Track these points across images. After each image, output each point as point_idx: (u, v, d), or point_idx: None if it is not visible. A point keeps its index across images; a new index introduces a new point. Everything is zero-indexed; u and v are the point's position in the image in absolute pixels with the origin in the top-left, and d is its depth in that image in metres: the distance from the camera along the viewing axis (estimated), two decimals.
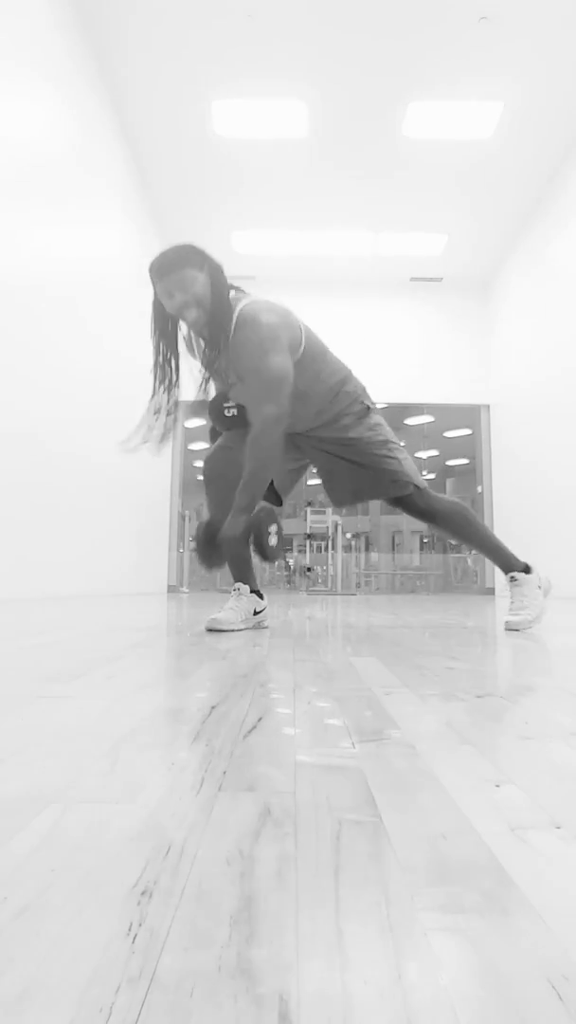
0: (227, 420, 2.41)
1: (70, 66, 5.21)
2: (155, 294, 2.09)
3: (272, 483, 2.38)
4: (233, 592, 2.37)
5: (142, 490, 7.80)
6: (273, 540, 2.21)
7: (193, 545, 2.38)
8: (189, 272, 2.02)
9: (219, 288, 2.05)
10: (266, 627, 2.43)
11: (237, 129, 6.56)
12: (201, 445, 9.99)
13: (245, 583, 2.38)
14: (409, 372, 9.63)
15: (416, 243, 8.79)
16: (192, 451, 10.19)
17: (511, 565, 2.40)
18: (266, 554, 2.19)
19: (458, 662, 1.43)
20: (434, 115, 6.38)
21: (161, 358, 2.15)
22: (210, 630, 2.16)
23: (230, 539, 2.10)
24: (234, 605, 2.30)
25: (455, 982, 0.28)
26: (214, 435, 2.54)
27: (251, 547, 2.20)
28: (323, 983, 0.28)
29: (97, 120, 5.92)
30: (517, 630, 2.25)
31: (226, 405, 2.40)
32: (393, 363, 9.27)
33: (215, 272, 2.06)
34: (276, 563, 2.25)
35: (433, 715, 0.86)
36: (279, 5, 5.22)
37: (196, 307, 2.02)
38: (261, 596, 2.42)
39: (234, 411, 2.38)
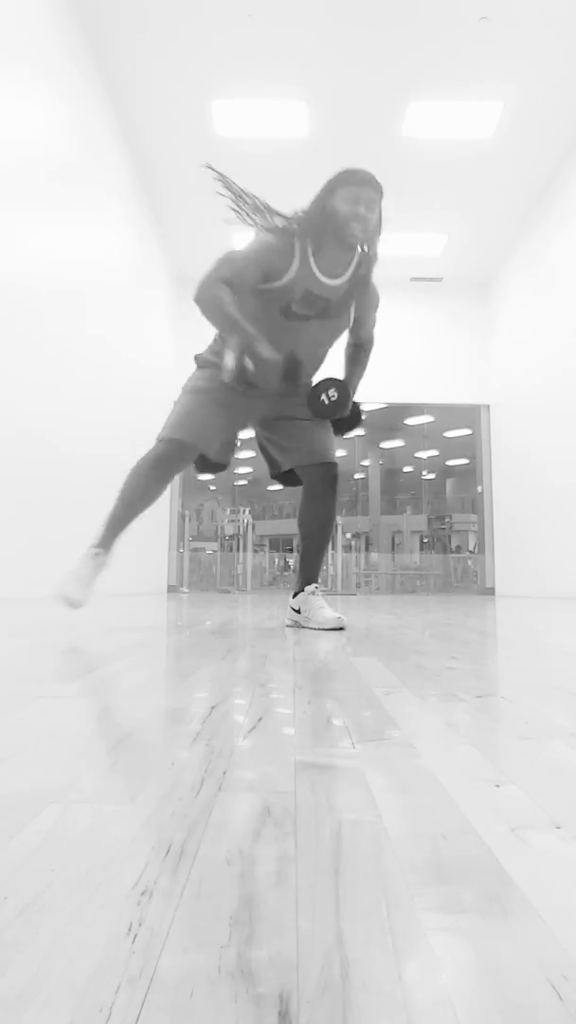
0: (245, 385, 2.25)
1: (70, 66, 5.21)
2: (330, 193, 2.30)
3: (291, 471, 2.56)
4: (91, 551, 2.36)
5: None
6: (333, 396, 2.39)
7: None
8: (381, 208, 2.34)
9: (377, 233, 2.40)
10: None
11: (237, 129, 6.56)
12: None
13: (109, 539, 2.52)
14: (409, 372, 9.63)
15: (416, 243, 8.79)
16: None
17: (316, 577, 2.53)
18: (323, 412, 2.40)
19: (458, 662, 1.43)
20: (434, 115, 6.38)
21: (263, 217, 2.51)
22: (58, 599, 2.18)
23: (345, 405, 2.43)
24: (82, 569, 2.31)
25: (455, 982, 0.28)
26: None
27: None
28: (323, 983, 0.28)
29: (97, 120, 5.91)
30: (343, 627, 2.36)
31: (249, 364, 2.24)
32: (393, 363, 9.27)
33: (381, 223, 2.39)
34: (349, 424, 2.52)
35: (433, 715, 0.86)
36: (279, 5, 5.22)
37: (364, 230, 2.30)
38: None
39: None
